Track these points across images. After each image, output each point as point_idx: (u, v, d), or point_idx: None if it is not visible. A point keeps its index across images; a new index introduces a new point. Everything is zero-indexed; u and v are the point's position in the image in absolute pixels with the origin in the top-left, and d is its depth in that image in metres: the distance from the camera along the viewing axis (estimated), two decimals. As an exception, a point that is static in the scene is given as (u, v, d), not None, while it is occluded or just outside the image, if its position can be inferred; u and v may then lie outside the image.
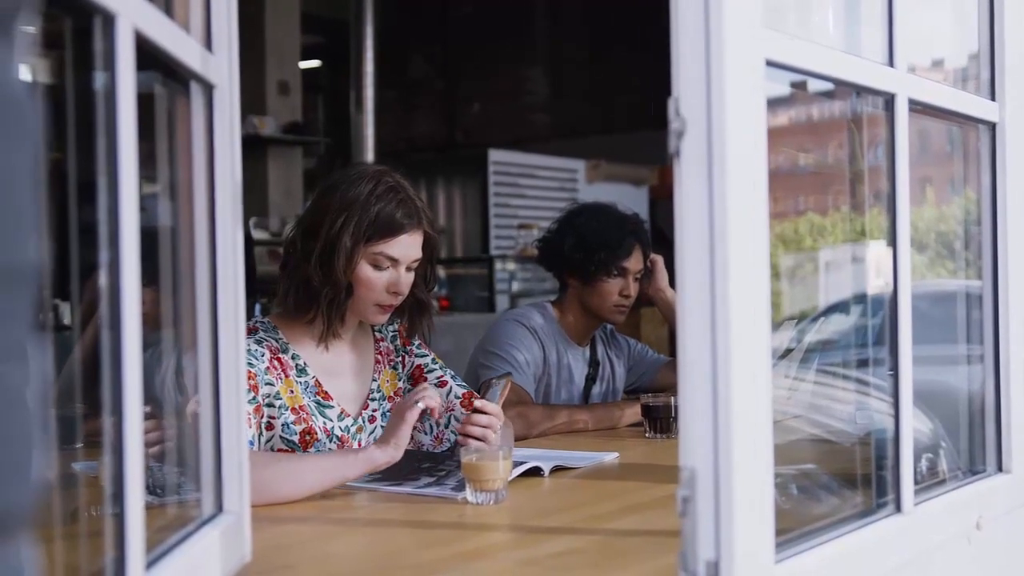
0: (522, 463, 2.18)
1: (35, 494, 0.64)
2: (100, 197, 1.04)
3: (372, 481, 2.10)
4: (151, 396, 1.16)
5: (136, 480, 1.06)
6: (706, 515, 1.22)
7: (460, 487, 2.01)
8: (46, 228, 0.66)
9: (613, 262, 3.10)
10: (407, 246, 2.29)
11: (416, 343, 2.52)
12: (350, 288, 2.28)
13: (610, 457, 2.46)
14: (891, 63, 1.59)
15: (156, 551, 1.20)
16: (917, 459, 1.70)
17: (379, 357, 2.48)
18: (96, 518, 1.41)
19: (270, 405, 2.22)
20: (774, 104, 1.34)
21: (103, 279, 1.04)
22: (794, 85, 1.55)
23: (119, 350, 1.04)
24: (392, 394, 2.46)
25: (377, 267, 2.28)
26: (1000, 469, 1.90)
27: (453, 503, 1.96)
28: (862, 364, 2.00)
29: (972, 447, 1.95)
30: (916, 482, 1.62)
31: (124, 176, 1.04)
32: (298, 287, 2.29)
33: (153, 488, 1.40)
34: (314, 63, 10.99)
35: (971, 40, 1.94)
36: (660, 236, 6.60)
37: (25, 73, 0.65)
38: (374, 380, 2.45)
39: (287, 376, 2.27)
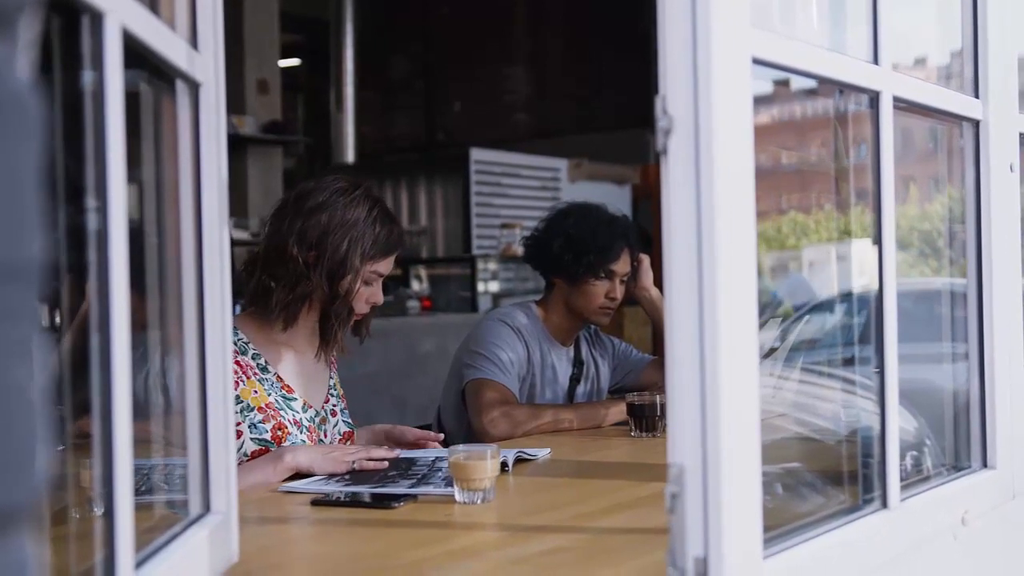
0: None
1: (40, 491, 0.64)
2: (87, 198, 1.04)
3: (355, 484, 2.10)
4: (135, 397, 1.16)
5: (125, 481, 1.06)
6: (695, 511, 1.22)
7: (451, 483, 2.00)
8: (47, 226, 0.66)
9: (601, 265, 3.09)
10: (392, 263, 2.47)
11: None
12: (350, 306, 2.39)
13: (543, 453, 2.47)
14: (876, 61, 1.60)
15: (144, 551, 1.19)
16: (902, 456, 1.70)
17: (332, 359, 2.58)
18: (79, 519, 1.40)
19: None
20: (757, 102, 1.34)
21: (92, 281, 1.03)
22: (777, 83, 1.55)
23: (108, 350, 1.04)
24: (342, 394, 2.59)
25: (366, 283, 2.41)
26: (985, 465, 1.91)
27: (441, 502, 1.96)
28: (846, 362, 2.01)
29: (957, 443, 1.96)
30: (901, 479, 1.63)
31: (113, 176, 1.04)
32: (300, 300, 2.36)
33: (137, 488, 1.39)
34: (294, 62, 10.97)
35: (954, 37, 1.95)
36: (642, 235, 6.63)
37: (28, 71, 0.65)
38: (331, 378, 2.56)
39: (249, 378, 2.32)
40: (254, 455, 2.27)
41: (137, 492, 1.14)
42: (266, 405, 2.33)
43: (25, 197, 0.61)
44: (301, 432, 2.36)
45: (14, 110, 0.61)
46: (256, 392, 2.33)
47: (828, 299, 2.52)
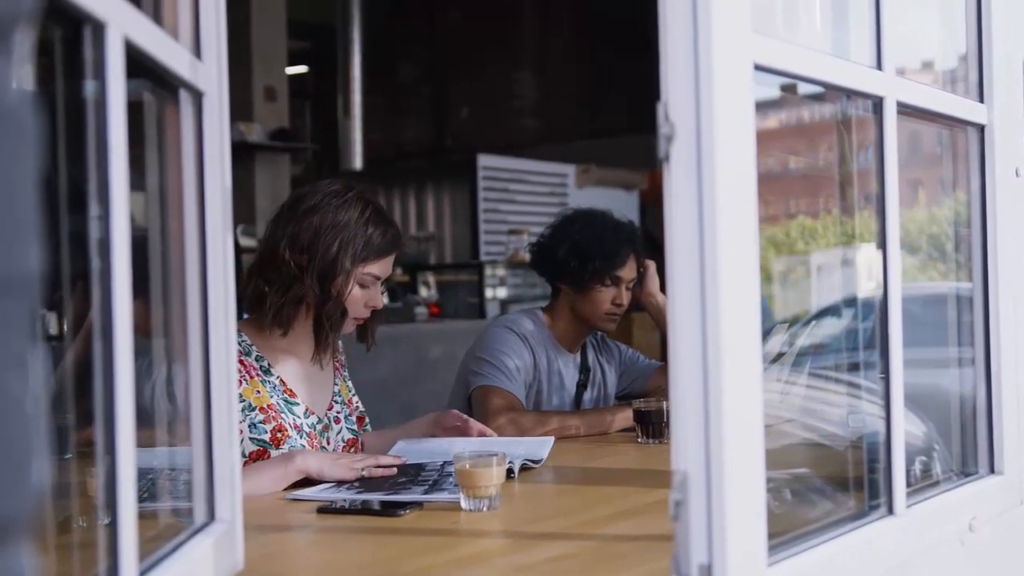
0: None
1: (35, 502, 0.64)
2: (90, 206, 1.04)
3: (365, 492, 2.10)
4: (141, 406, 1.16)
5: (128, 490, 1.06)
6: (698, 518, 1.22)
7: (458, 490, 1.99)
8: (44, 237, 0.66)
9: (607, 271, 3.09)
10: (390, 265, 2.45)
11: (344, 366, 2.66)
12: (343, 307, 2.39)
13: (546, 449, 2.48)
14: (879, 66, 1.59)
15: (149, 560, 1.19)
16: (911, 462, 1.70)
17: (337, 365, 2.59)
18: (85, 528, 1.40)
19: None
20: (764, 107, 1.34)
21: (94, 289, 1.03)
22: (783, 88, 1.55)
23: (111, 358, 1.04)
24: (347, 400, 2.58)
25: (362, 286, 2.40)
26: (992, 471, 1.90)
27: (447, 510, 1.96)
28: (853, 367, 2.01)
29: (964, 449, 1.95)
30: (909, 485, 1.62)
31: (115, 185, 1.04)
32: (293, 303, 2.35)
33: (141, 495, 1.39)
34: (301, 68, 10.97)
35: (959, 42, 1.94)
36: (650, 241, 6.63)
37: (24, 82, 0.65)
38: (335, 384, 2.56)
39: (252, 378, 2.33)
40: (252, 456, 2.28)
41: (141, 499, 1.15)
42: (268, 406, 2.33)
43: (22, 209, 0.62)
44: (301, 437, 2.36)
45: (10, 122, 0.62)
46: (259, 392, 2.34)
47: (836, 304, 2.52)
